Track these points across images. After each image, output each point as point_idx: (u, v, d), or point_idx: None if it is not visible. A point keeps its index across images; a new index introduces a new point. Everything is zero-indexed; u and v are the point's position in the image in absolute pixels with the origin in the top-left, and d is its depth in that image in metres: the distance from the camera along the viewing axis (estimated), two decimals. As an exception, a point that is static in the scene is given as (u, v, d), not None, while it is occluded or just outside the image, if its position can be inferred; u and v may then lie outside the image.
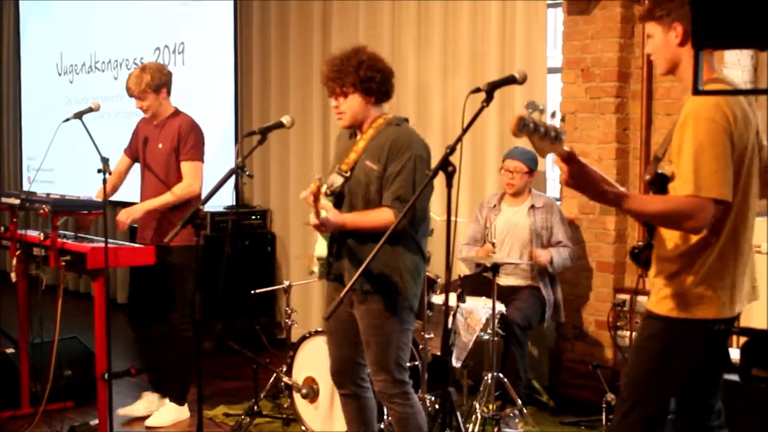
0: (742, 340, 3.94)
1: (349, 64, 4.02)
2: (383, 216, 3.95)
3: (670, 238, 3.29)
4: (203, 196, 4.10)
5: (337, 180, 4.08)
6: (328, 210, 3.88)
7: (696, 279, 3.24)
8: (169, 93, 5.72)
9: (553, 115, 2.93)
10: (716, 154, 3.08)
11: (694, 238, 3.21)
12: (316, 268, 4.13)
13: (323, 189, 3.97)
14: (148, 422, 5.70)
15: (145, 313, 5.72)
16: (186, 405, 5.78)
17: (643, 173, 3.40)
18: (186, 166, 5.59)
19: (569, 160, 3.04)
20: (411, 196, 3.90)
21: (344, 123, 4.14)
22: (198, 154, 5.62)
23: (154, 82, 5.61)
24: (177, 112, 5.73)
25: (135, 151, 5.82)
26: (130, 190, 6.03)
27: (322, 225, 3.86)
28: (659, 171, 3.32)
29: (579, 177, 3.06)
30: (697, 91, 2.31)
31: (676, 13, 3.23)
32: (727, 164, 3.11)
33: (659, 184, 3.31)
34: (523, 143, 6.11)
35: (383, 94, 4.14)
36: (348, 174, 4.07)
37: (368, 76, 4.03)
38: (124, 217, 5.52)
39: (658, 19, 3.26)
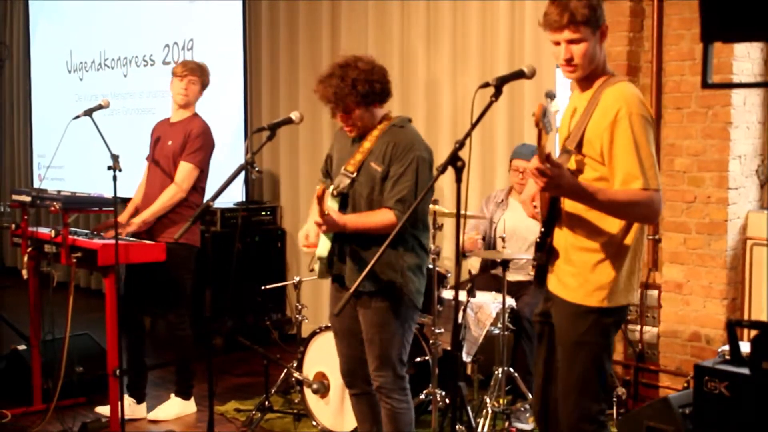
0: (753, 333, 3.94)
1: (345, 85, 3.97)
2: (384, 217, 3.96)
3: (589, 228, 3.40)
4: (213, 192, 4.10)
5: (344, 181, 4.09)
6: (330, 211, 3.90)
7: (620, 268, 3.40)
8: (199, 98, 5.81)
9: (557, 106, 2.98)
10: (651, 148, 3.29)
11: (616, 228, 3.36)
12: (316, 266, 4.14)
13: (329, 190, 4.00)
14: (151, 415, 5.73)
15: (136, 311, 5.71)
16: (192, 399, 5.80)
17: None
18: (182, 167, 5.59)
19: (548, 160, 3.11)
20: (413, 198, 3.94)
21: (355, 134, 4.14)
22: (198, 159, 5.61)
23: (206, 78, 5.76)
24: (195, 116, 5.76)
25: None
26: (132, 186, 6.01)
27: (324, 224, 3.87)
28: (567, 166, 3.39)
29: (561, 176, 3.14)
30: (706, 85, 2.31)
31: (600, 13, 3.34)
32: (655, 157, 3.32)
33: None
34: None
35: (386, 95, 4.13)
36: (354, 175, 4.08)
37: (367, 90, 4.01)
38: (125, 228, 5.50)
39: (587, 22, 3.30)
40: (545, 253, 3.52)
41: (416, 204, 3.55)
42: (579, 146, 3.36)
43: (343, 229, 3.97)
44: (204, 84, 5.75)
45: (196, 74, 5.68)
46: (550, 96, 2.94)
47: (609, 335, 3.50)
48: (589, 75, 3.41)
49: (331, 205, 4.00)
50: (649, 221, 3.44)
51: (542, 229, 3.51)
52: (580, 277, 3.43)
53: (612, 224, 3.35)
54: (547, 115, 2.94)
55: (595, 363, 3.45)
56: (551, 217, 3.48)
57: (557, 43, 3.38)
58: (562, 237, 3.47)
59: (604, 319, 3.43)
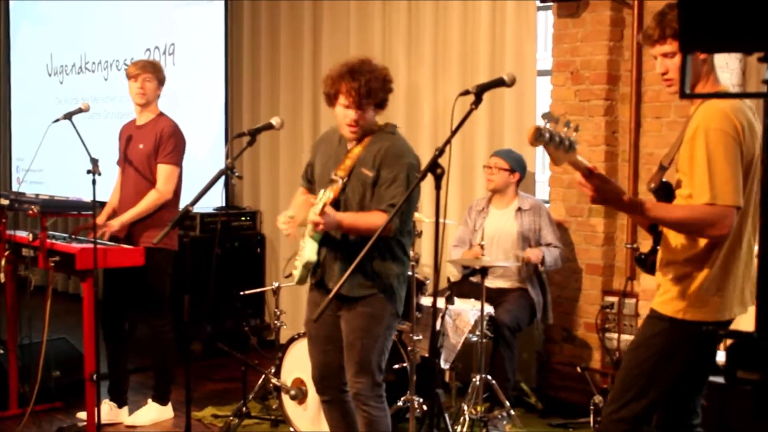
0: (728, 342, 3.96)
1: (377, 79, 4.03)
2: (378, 219, 3.93)
3: (678, 242, 3.37)
4: (193, 197, 4.09)
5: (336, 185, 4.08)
6: (327, 208, 3.90)
7: (702, 283, 3.33)
8: (159, 95, 5.75)
9: (568, 125, 2.97)
10: (728, 163, 3.19)
11: (702, 243, 3.31)
12: (296, 272, 4.11)
13: (320, 194, 3.99)
14: (128, 421, 5.71)
15: (117, 316, 5.70)
16: (169, 405, 5.78)
17: (648, 182, 3.49)
18: (162, 169, 5.58)
19: (590, 176, 3.12)
20: (405, 203, 3.92)
21: (357, 135, 4.11)
22: (175, 159, 5.61)
23: (161, 74, 5.71)
24: (161, 116, 5.73)
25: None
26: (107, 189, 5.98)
27: (322, 221, 3.85)
28: (664, 180, 3.42)
29: (605, 191, 3.15)
30: (684, 95, 2.33)
31: None
32: (738, 172, 3.22)
33: (664, 192, 3.42)
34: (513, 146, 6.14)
35: (386, 103, 4.18)
36: (345, 180, 4.08)
37: (388, 91, 4.11)
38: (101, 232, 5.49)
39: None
40: (647, 268, 3.54)
41: (400, 205, 3.58)
42: (675, 163, 3.38)
43: (339, 226, 3.96)
44: (160, 80, 5.70)
45: (149, 71, 5.64)
46: (546, 117, 2.93)
47: (677, 348, 3.37)
48: (691, 88, 3.38)
49: (319, 203, 3.95)
50: (715, 238, 3.25)
51: (654, 247, 3.51)
52: (664, 287, 3.43)
53: (697, 239, 3.31)
54: (556, 135, 2.93)
55: (648, 370, 3.36)
56: (656, 235, 3.50)
57: (655, 58, 3.41)
58: (660, 251, 3.48)
59: (678, 330, 3.34)
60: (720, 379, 4.13)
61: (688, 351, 3.39)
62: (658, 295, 3.45)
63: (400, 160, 4.03)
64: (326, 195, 3.88)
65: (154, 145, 5.57)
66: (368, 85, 4.00)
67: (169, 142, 5.57)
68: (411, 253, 5.03)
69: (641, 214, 3.28)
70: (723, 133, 3.21)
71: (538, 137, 2.88)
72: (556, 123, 2.93)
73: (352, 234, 4.04)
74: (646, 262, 3.55)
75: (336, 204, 4.07)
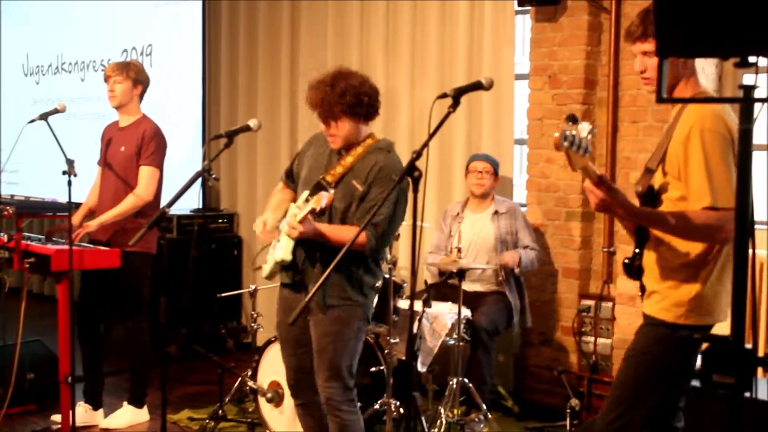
0: (704, 345, 3.98)
1: (333, 93, 4.01)
2: (358, 237, 3.92)
3: (674, 247, 3.35)
4: (169, 199, 4.07)
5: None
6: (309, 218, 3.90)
7: (703, 286, 3.32)
8: (141, 97, 5.72)
9: (591, 132, 2.96)
10: (725, 165, 3.17)
11: (698, 247, 3.30)
12: (267, 266, 4.10)
13: (304, 195, 3.99)
14: (104, 423, 5.68)
15: (93, 318, 5.67)
16: (145, 408, 5.76)
17: (635, 185, 3.47)
18: (143, 171, 5.55)
19: (600, 182, 3.10)
20: (386, 224, 3.99)
21: (337, 146, 4.13)
22: (156, 161, 5.58)
23: (137, 75, 5.64)
24: (144, 118, 5.70)
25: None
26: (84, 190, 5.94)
27: (303, 228, 3.85)
28: (650, 184, 3.39)
29: (613, 198, 3.11)
30: (661, 99, 2.34)
31: None
32: (733, 174, 3.18)
33: (650, 196, 3.38)
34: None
35: (372, 112, 4.16)
36: (333, 187, 4.07)
37: (355, 102, 4.05)
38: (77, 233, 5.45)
39: None
40: (634, 273, 3.50)
41: (366, 222, 3.60)
42: (662, 165, 3.35)
43: (318, 236, 3.96)
44: (135, 81, 5.65)
45: (117, 73, 5.60)
46: (571, 119, 2.92)
47: (679, 353, 3.35)
48: (670, 89, 3.38)
49: (303, 209, 3.92)
50: (721, 242, 3.25)
51: (635, 251, 3.48)
52: (661, 294, 3.39)
53: (695, 243, 3.30)
54: (577, 139, 2.92)
55: (650, 377, 3.35)
56: (640, 239, 3.46)
57: (635, 55, 3.41)
58: (649, 256, 3.44)
59: (676, 336, 3.31)
60: (695, 383, 4.15)
61: (692, 354, 3.37)
62: (655, 302, 3.42)
63: (391, 182, 4.00)
64: (310, 204, 3.86)
65: (136, 148, 5.54)
66: (323, 99, 4.02)
67: (150, 144, 5.54)
68: (388, 256, 5.05)
69: (646, 223, 3.28)
70: (718, 135, 3.20)
71: (563, 140, 2.88)
72: (577, 126, 2.93)
73: (328, 244, 4.03)
74: (632, 267, 3.50)
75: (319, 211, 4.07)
